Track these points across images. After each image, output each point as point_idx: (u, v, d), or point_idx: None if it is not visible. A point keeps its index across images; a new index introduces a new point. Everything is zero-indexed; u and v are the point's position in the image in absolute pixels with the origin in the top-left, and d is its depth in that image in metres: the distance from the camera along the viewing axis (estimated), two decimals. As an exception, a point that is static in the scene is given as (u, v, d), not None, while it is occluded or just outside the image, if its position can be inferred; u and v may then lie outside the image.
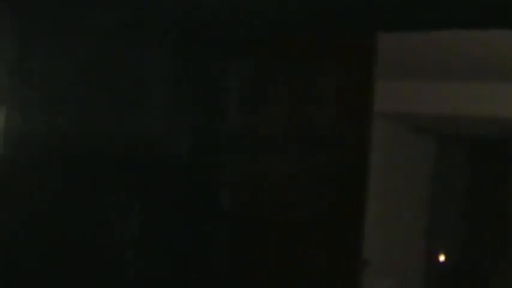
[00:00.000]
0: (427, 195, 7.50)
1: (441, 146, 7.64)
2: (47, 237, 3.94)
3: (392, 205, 6.62)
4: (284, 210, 4.04)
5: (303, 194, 3.99)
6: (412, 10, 3.65)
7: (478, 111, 5.80)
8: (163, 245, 4.16)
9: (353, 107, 3.88)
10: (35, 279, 3.91)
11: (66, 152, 3.98)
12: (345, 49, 3.89)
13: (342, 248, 3.87)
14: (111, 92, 4.08)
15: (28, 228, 3.89)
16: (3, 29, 4.02)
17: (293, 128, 4.05)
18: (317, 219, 3.94)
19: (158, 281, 4.13)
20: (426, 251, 7.56)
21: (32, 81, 4.02)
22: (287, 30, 4.06)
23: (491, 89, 5.66)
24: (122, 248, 4.08)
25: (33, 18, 3.95)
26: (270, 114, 4.12)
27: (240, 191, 4.19)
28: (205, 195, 4.23)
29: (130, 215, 4.09)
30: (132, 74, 4.13)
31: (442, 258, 7.61)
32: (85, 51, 4.02)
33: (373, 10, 3.65)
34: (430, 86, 5.83)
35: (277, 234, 4.04)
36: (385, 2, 3.61)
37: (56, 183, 3.96)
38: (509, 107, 5.61)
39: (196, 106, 4.25)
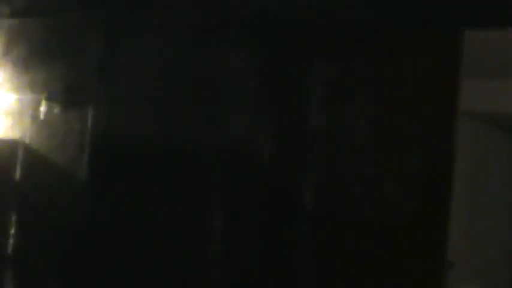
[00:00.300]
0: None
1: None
2: (130, 236, 4.00)
3: (478, 206, 6.51)
4: (368, 211, 4.01)
5: (387, 194, 3.96)
6: (499, 7, 3.59)
7: None
8: (247, 245, 4.18)
9: (438, 107, 3.84)
10: (117, 282, 3.97)
11: (152, 151, 4.03)
12: (431, 48, 3.85)
13: (426, 249, 3.83)
14: (194, 92, 4.12)
15: (113, 227, 3.96)
16: (88, 29, 4.09)
17: (377, 127, 4.02)
18: (401, 219, 3.91)
19: (243, 281, 4.15)
20: (513, 254, 7.40)
21: (117, 80, 4.09)
22: (371, 29, 4.03)
23: None
24: (207, 249, 4.11)
25: (118, 18, 4.02)
26: (353, 114, 4.10)
27: (323, 191, 4.17)
28: (289, 195, 4.23)
29: (215, 215, 4.12)
30: (215, 74, 4.16)
31: (529, 261, 7.43)
32: (169, 51, 4.07)
33: (460, 8, 3.60)
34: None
35: (360, 235, 4.02)
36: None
37: (141, 182, 4.02)
38: None
39: (279, 106, 4.25)
